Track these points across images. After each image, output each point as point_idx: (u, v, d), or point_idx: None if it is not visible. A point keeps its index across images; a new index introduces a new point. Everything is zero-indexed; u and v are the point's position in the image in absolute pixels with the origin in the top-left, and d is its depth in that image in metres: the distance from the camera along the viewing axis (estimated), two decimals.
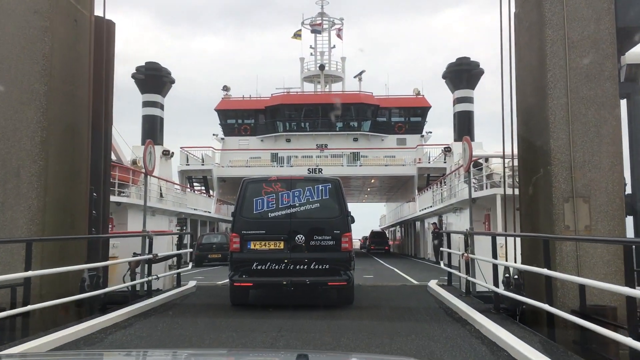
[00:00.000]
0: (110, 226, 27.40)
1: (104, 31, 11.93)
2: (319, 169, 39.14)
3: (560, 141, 9.42)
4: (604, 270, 8.95)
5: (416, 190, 39.84)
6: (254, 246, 11.08)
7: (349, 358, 4.32)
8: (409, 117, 47.16)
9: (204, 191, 42.82)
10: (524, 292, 9.88)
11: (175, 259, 14.86)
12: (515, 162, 17.94)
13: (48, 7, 9.77)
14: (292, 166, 40.71)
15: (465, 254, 12.13)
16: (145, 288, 12.60)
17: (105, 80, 12.64)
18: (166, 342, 8.07)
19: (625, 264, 6.69)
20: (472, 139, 39.36)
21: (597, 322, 6.87)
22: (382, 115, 46.80)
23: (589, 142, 9.36)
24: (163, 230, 16.96)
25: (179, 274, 14.72)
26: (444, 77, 39.78)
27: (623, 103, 10.18)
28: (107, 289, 10.55)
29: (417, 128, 46.65)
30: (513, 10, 11.01)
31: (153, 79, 36.78)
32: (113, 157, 28.04)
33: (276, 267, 10.89)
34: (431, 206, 34.54)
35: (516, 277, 10.20)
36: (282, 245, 11.05)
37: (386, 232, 64.01)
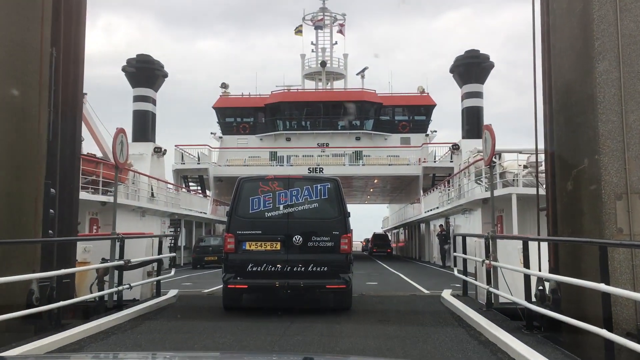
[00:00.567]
0: (95, 228, 25.80)
1: None
2: (320, 168, 37.60)
3: (611, 124, 7.68)
4: None
5: (421, 191, 38.09)
6: (250, 247, 10.67)
7: None
8: (413, 115, 45.45)
9: (200, 191, 41.04)
10: (561, 309, 8.17)
11: (155, 264, 13.11)
12: (539, 157, 16.13)
13: None
14: (292, 165, 39.13)
15: (487, 261, 10.38)
16: (115, 299, 10.94)
17: (73, 55, 10.95)
18: None
19: None
20: (481, 136, 37.56)
21: None
22: (385, 114, 45.23)
23: None
24: (140, 233, 15.22)
25: (159, 281, 13.00)
26: (451, 71, 37.94)
27: None
28: (60, 303, 8.77)
29: (421, 127, 44.91)
30: None
31: (144, 72, 34.94)
32: (99, 154, 26.39)
33: (272, 268, 10.47)
34: (437, 207, 32.81)
35: (553, 289, 8.44)
36: (278, 246, 10.66)
37: (389, 234, 62.85)
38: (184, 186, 38.96)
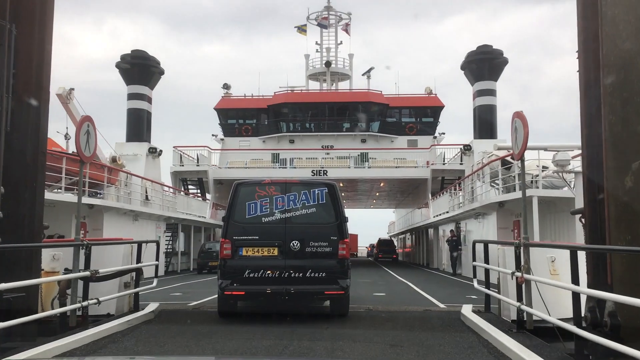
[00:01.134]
0: (82, 232, 24.21)
1: None
2: (324, 170, 36.02)
3: None
4: None
5: (430, 195, 36.39)
6: (246, 253, 10.57)
7: None
8: (420, 117, 43.80)
9: (199, 194, 39.41)
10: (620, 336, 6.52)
11: (133, 274, 11.50)
12: (573, 153, 14.35)
13: None
14: (295, 168, 37.54)
15: (519, 275, 8.71)
16: (81, 314, 9.34)
17: (38, 35, 9.38)
18: None
19: None
20: (494, 136, 35.91)
21: None
22: (391, 115, 43.61)
23: None
24: (114, 238, 13.62)
25: (136, 294, 11.39)
26: (462, 68, 36.24)
27: None
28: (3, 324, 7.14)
29: (429, 129, 43.22)
30: None
31: (139, 68, 33.31)
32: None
33: (270, 275, 10.32)
34: (447, 212, 31.11)
35: (610, 311, 6.78)
36: (276, 252, 10.55)
37: (394, 239, 61.32)
38: (182, 189, 37.34)
